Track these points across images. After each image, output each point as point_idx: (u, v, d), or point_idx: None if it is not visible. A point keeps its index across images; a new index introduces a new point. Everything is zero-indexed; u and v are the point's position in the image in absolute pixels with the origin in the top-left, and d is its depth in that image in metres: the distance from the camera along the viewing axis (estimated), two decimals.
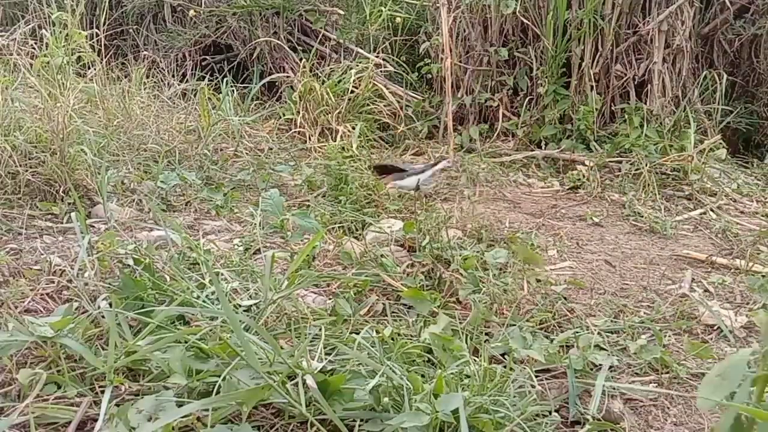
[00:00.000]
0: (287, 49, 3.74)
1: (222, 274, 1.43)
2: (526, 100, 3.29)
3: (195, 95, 3.08)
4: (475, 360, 1.14)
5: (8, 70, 2.50)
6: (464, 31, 3.43)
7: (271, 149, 2.83)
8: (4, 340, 1.02)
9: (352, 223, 1.95)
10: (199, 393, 0.98)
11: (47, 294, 1.33)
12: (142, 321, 1.18)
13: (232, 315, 0.96)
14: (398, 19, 3.70)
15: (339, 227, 1.92)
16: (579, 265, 1.92)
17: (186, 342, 1.05)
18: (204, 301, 1.28)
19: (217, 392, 0.95)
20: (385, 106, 3.35)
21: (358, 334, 1.18)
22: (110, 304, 1.17)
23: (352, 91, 3.27)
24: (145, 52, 3.86)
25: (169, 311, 1.16)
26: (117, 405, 0.94)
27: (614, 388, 1.22)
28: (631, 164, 2.80)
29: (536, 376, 1.17)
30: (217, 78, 3.52)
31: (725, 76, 3.25)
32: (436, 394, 0.96)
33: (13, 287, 1.31)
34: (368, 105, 3.32)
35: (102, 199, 1.92)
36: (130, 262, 1.41)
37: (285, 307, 1.30)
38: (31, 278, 1.39)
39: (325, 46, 3.74)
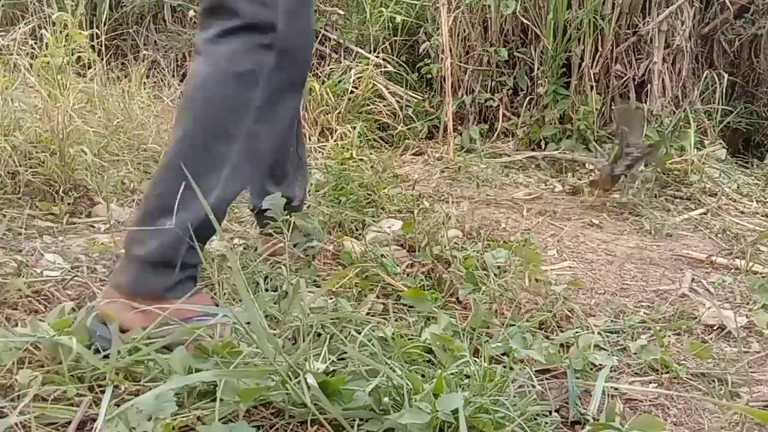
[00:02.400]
0: None
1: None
2: (526, 100, 3.29)
3: None
4: (475, 360, 1.14)
5: (8, 70, 2.50)
6: (464, 31, 3.43)
7: None
8: (4, 341, 1.02)
9: (352, 223, 1.95)
10: (199, 393, 0.98)
11: (47, 294, 1.33)
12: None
13: (248, 302, 0.96)
14: (398, 20, 3.70)
15: (339, 227, 1.92)
16: (579, 265, 1.92)
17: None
18: None
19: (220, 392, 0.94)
20: (384, 106, 3.35)
21: (359, 334, 1.18)
22: None
23: (352, 92, 3.27)
24: (145, 52, 3.86)
25: (170, 310, 1.16)
26: (117, 405, 0.94)
27: (615, 388, 1.22)
28: None
29: (536, 376, 1.17)
30: None
31: (725, 76, 3.26)
32: (436, 393, 0.96)
33: (13, 287, 1.31)
34: (368, 105, 3.33)
35: (103, 200, 1.92)
36: None
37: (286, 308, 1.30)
38: (31, 278, 1.39)
39: (325, 46, 3.74)
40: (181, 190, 1.02)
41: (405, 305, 1.46)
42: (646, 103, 3.11)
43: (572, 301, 1.61)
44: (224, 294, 1.31)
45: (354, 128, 3.08)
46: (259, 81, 1.04)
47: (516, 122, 3.29)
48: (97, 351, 1.05)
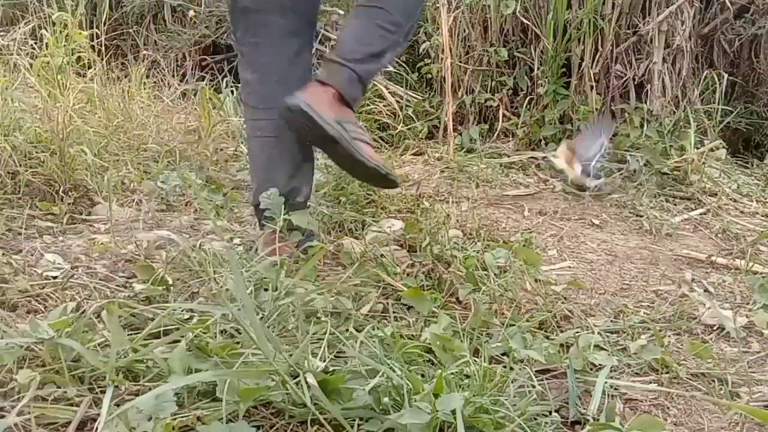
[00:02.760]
0: None
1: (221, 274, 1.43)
2: (526, 100, 3.29)
3: (195, 95, 3.08)
4: (475, 360, 1.14)
5: (8, 70, 2.50)
6: (464, 31, 3.43)
7: None
8: (4, 341, 1.02)
9: (352, 223, 1.95)
10: (199, 393, 0.98)
11: (47, 294, 1.33)
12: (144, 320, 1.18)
13: (247, 301, 0.96)
14: None
15: (339, 227, 1.92)
16: (579, 265, 1.92)
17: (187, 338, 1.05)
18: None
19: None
20: (384, 106, 3.35)
21: (359, 332, 1.18)
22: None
23: None
24: (145, 52, 3.86)
25: (172, 308, 1.16)
26: (117, 405, 0.94)
27: (615, 388, 1.23)
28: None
29: (536, 376, 1.17)
30: (217, 78, 3.52)
31: (725, 76, 3.25)
32: (436, 393, 0.96)
33: (13, 287, 1.31)
34: (368, 105, 3.32)
35: (103, 200, 1.92)
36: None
37: (286, 308, 1.30)
38: (31, 278, 1.39)
39: (325, 46, 3.74)
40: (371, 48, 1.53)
41: (405, 305, 1.46)
42: (646, 103, 3.11)
43: (572, 301, 1.61)
44: (224, 293, 1.31)
45: None
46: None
47: (516, 122, 3.29)
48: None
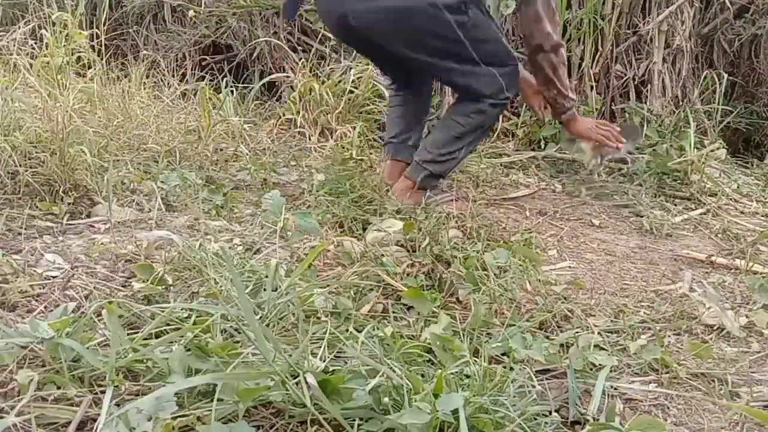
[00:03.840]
0: (287, 49, 3.73)
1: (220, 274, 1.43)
2: None
3: (195, 95, 3.08)
4: (475, 360, 1.14)
5: (8, 70, 2.50)
6: None
7: (271, 149, 2.83)
8: (4, 341, 1.02)
9: (352, 222, 1.95)
10: (199, 393, 0.98)
11: (47, 294, 1.33)
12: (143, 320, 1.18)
13: (245, 301, 0.96)
14: None
15: (339, 227, 1.92)
16: (579, 265, 1.92)
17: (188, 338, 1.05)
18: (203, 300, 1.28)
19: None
20: (385, 106, 3.34)
21: (359, 332, 1.18)
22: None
23: (352, 91, 3.27)
24: (145, 52, 3.86)
25: (173, 308, 1.16)
26: (117, 405, 0.94)
27: (615, 388, 1.23)
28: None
29: (536, 376, 1.17)
30: (217, 78, 3.52)
31: (725, 76, 3.26)
32: (436, 394, 0.96)
33: (13, 287, 1.31)
34: (368, 105, 3.32)
35: (103, 200, 1.92)
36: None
37: (285, 307, 1.30)
38: (31, 278, 1.39)
39: (325, 46, 3.74)
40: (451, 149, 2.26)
41: (405, 305, 1.46)
42: (646, 103, 3.11)
43: (572, 301, 1.61)
44: (222, 292, 1.31)
45: (354, 128, 3.07)
46: None
47: (516, 122, 3.29)
48: None
